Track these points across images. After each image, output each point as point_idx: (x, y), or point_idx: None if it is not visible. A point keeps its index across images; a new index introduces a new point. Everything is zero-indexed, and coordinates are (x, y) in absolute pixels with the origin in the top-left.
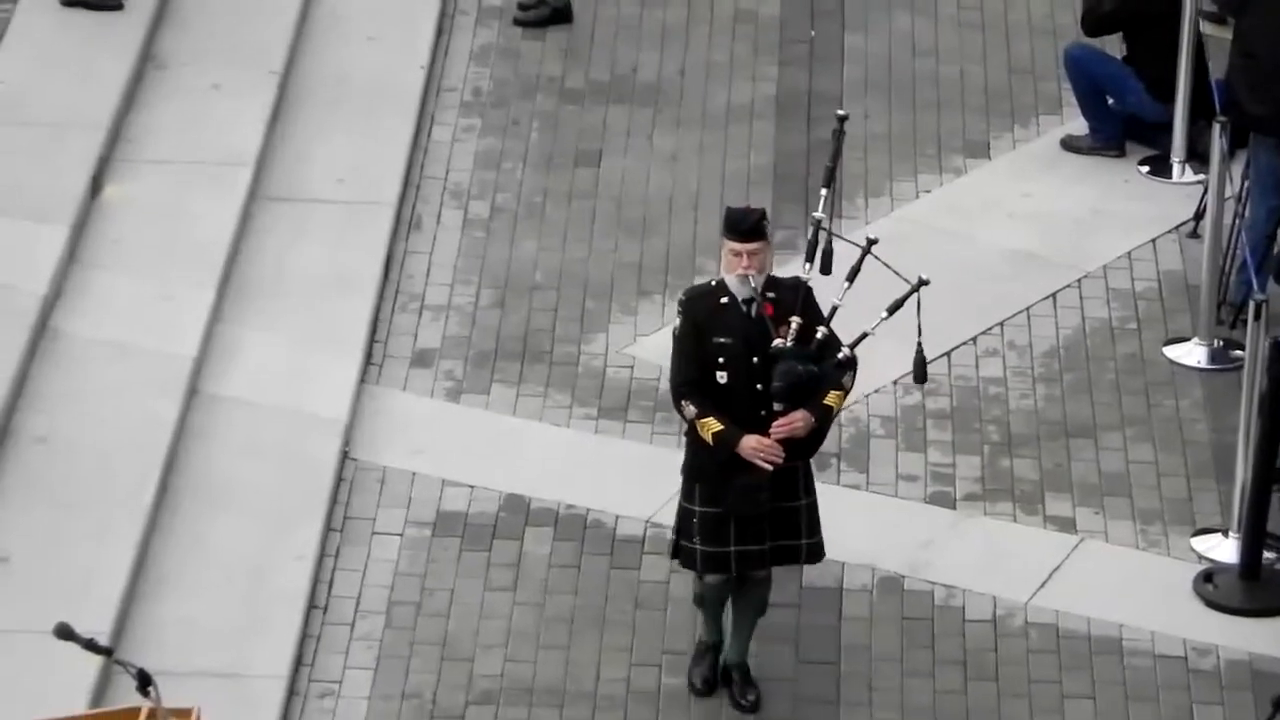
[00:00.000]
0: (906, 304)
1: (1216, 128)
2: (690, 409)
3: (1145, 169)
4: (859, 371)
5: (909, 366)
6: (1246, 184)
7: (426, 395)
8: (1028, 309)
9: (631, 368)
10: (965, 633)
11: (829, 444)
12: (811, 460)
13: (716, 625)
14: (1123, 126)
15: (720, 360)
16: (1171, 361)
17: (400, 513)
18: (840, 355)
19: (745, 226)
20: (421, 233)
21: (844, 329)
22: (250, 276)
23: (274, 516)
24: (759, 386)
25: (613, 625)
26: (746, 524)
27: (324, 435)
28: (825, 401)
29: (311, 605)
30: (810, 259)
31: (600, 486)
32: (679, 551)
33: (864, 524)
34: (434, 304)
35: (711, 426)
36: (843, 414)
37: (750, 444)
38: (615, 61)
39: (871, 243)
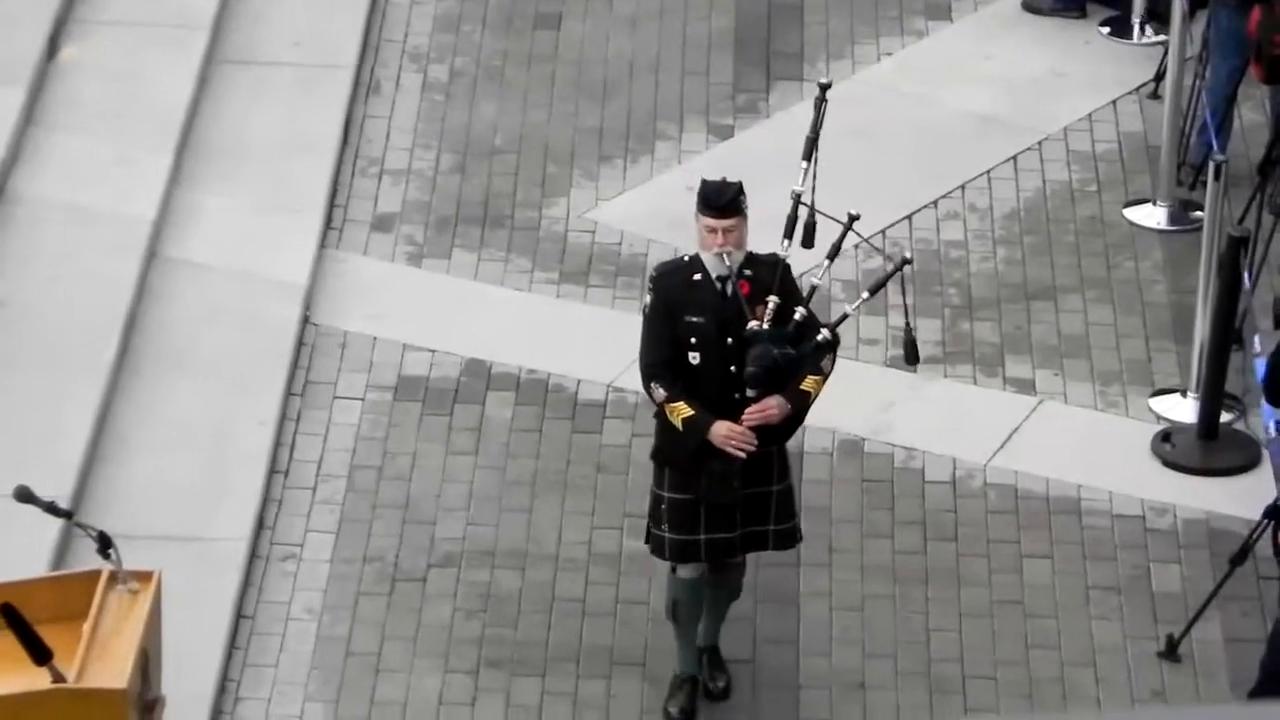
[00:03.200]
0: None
1: None
2: (659, 392)
3: (1106, 30)
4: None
5: (868, 231)
6: (1206, 45)
7: (387, 260)
8: (988, 172)
9: (593, 232)
10: (925, 494)
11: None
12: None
13: (691, 651)
14: None
15: (692, 340)
16: (1131, 223)
17: (361, 377)
18: (819, 338)
19: (722, 201)
20: (380, 97)
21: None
22: (208, 140)
23: (235, 381)
24: (732, 369)
25: (574, 489)
26: (718, 510)
27: (284, 299)
28: (802, 387)
29: (273, 469)
30: (789, 235)
31: (562, 351)
32: (649, 538)
33: (825, 388)
34: (394, 168)
35: (682, 411)
36: (804, 279)
37: (722, 431)
38: None
39: (853, 219)
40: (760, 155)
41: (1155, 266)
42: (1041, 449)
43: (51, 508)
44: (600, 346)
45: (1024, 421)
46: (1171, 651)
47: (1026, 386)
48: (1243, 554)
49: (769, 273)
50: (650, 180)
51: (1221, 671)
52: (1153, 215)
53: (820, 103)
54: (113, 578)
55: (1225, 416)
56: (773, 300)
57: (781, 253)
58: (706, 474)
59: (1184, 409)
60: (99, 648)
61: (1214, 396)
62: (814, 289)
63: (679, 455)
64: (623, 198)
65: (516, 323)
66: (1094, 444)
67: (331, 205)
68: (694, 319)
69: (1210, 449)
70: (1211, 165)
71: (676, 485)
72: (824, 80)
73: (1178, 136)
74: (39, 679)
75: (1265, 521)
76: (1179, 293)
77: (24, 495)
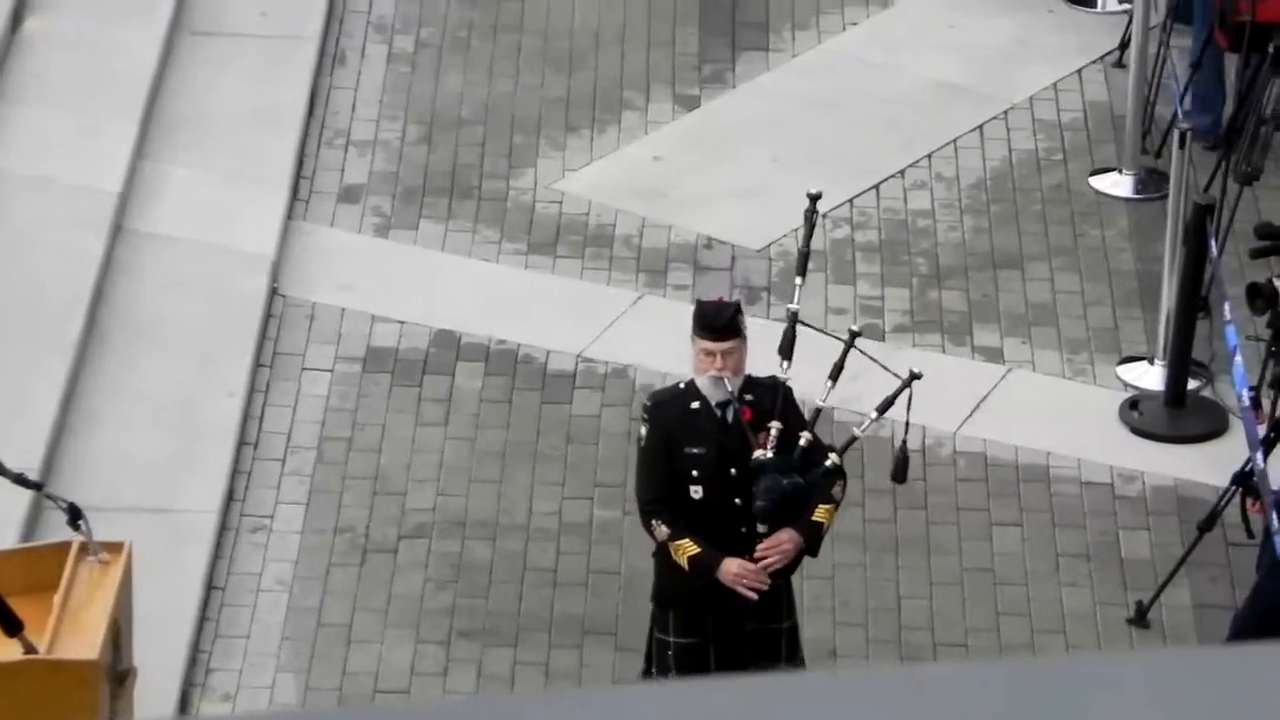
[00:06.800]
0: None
1: None
2: (662, 530)
3: (1069, 0)
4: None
5: (835, 200)
6: (1170, 13)
7: (354, 231)
8: (954, 141)
9: (560, 203)
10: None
11: (758, 277)
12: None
13: None
14: None
15: (693, 473)
16: (1098, 191)
17: (330, 348)
18: (828, 463)
19: (720, 324)
20: (346, 68)
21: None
22: (174, 111)
23: (203, 352)
24: (737, 501)
25: (544, 459)
26: (728, 653)
27: (252, 271)
28: (814, 518)
29: (242, 441)
30: (788, 355)
31: (530, 321)
32: None
33: (794, 357)
34: (360, 139)
35: (687, 550)
36: (772, 248)
37: (733, 569)
38: None
39: (855, 335)
40: (727, 125)
41: (1121, 234)
42: (1010, 417)
43: (21, 479)
44: (569, 317)
45: (992, 390)
46: (1141, 618)
47: (994, 355)
48: (1211, 520)
49: (770, 397)
50: (617, 150)
51: (1191, 637)
52: (1119, 183)
53: (811, 214)
54: (83, 549)
55: (1192, 384)
56: (775, 426)
57: (781, 374)
58: (715, 615)
59: (1151, 376)
60: (70, 619)
61: (1181, 364)
62: (818, 411)
63: (684, 595)
64: (590, 168)
65: (485, 294)
66: (1062, 411)
67: (298, 177)
68: (694, 450)
69: (1178, 416)
70: (1176, 133)
71: (683, 629)
72: (813, 191)
73: (1143, 104)
74: (10, 650)
75: (1233, 488)
76: (1145, 260)
77: None
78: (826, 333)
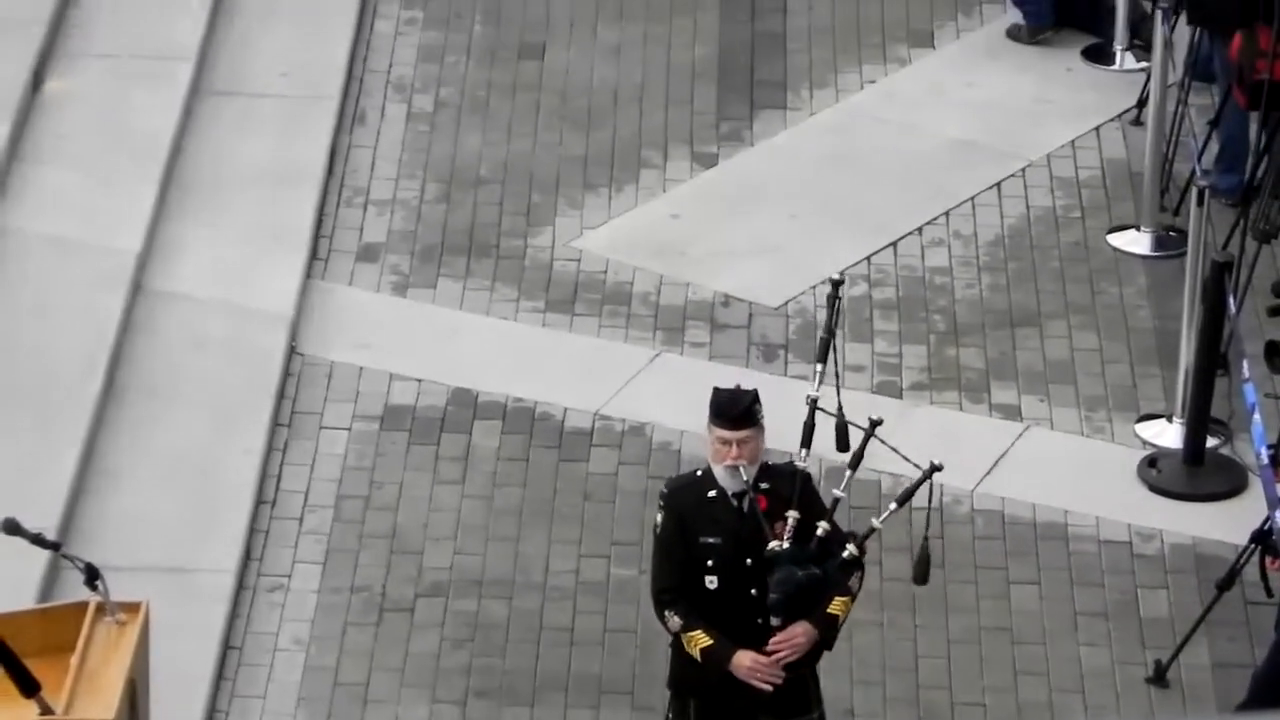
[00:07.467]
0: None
1: (1159, 14)
2: (675, 620)
3: (1087, 57)
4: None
5: (853, 258)
6: (1188, 72)
7: (373, 289)
8: (972, 198)
9: (578, 261)
10: (911, 520)
11: (775, 335)
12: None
13: None
14: (1053, 3)
15: (709, 563)
16: (1115, 249)
17: (348, 407)
18: (845, 554)
19: (736, 413)
20: (365, 127)
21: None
22: (194, 171)
23: (221, 411)
24: (753, 592)
25: (561, 517)
26: None
27: (270, 330)
28: (829, 610)
29: (260, 500)
30: (807, 444)
31: (548, 379)
32: None
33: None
34: (379, 198)
35: (700, 641)
36: (789, 305)
37: (746, 662)
38: None
39: (875, 424)
40: (744, 183)
41: (1140, 292)
42: (1028, 475)
43: (39, 539)
44: (586, 375)
45: (1010, 447)
46: (1160, 677)
47: (1012, 412)
48: (1230, 579)
49: (788, 485)
50: (635, 209)
51: (1210, 696)
52: (1137, 241)
53: (833, 299)
54: (100, 609)
55: (1211, 442)
56: (793, 515)
57: (799, 462)
58: (733, 707)
59: (1170, 434)
60: (87, 679)
61: (1200, 422)
62: (836, 501)
63: (700, 685)
64: (608, 226)
65: (502, 352)
66: (1080, 470)
67: (317, 236)
68: (710, 539)
69: (1196, 474)
70: (1194, 191)
71: (703, 716)
72: (835, 276)
73: (1161, 162)
74: (27, 711)
75: (1252, 546)
76: (1164, 318)
77: (11, 527)
78: (848, 421)
